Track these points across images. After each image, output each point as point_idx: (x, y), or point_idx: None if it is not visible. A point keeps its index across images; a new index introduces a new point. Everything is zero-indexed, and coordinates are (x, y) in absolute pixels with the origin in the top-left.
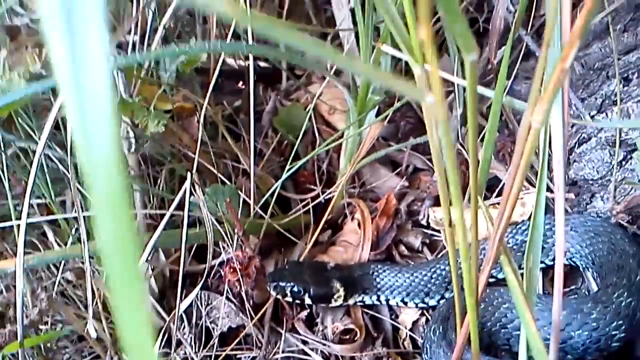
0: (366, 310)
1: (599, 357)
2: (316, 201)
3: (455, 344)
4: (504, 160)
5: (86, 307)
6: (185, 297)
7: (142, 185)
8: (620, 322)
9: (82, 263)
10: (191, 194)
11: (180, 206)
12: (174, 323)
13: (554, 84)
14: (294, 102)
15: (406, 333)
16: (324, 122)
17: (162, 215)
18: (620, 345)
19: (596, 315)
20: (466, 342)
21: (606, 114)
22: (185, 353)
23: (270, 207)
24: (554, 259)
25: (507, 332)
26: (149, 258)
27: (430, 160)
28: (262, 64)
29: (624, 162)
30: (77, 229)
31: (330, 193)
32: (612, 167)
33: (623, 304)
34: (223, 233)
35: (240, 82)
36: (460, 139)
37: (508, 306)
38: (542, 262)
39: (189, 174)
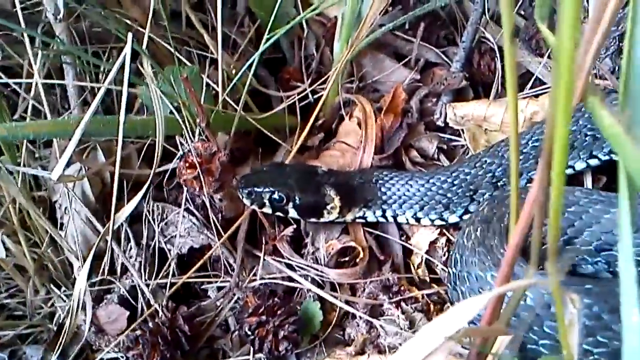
0: (369, 229)
1: None
2: (304, 100)
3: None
4: (536, 50)
5: (0, 225)
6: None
7: (75, 53)
8: None
9: None
10: (138, 70)
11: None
12: (117, 243)
13: None
14: None
15: (421, 257)
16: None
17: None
18: None
19: None
20: (519, 249)
21: None
22: (132, 281)
23: (243, 95)
24: (609, 152)
25: (574, 249)
26: (85, 156)
27: (445, 53)
28: None
29: None
30: None
31: (320, 90)
32: None
33: None
34: (182, 125)
35: None
36: (482, 24)
37: (575, 210)
38: (595, 156)
39: (129, 36)
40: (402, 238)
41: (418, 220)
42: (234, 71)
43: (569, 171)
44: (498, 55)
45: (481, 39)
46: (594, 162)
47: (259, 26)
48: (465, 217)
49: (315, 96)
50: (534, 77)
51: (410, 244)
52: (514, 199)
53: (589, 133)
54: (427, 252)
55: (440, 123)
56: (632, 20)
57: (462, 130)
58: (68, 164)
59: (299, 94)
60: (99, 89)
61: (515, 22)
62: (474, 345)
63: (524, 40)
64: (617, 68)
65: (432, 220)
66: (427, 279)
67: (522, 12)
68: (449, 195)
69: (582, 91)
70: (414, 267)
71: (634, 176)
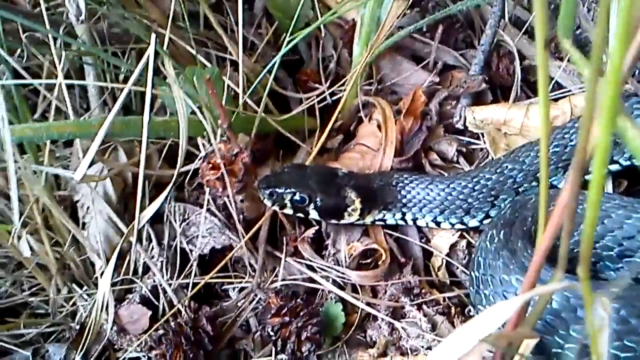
0: (389, 232)
1: None
2: (322, 102)
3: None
4: (555, 53)
5: (24, 225)
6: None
7: (97, 54)
8: None
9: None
10: (163, 75)
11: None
12: (139, 243)
13: None
14: None
15: (442, 260)
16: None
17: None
18: None
19: None
20: (547, 253)
21: None
22: (154, 281)
23: (264, 98)
24: (629, 158)
25: (595, 254)
26: (107, 156)
27: (463, 55)
28: None
29: None
30: None
31: (339, 91)
32: None
33: None
34: (204, 126)
35: None
36: (500, 27)
37: (606, 215)
38: (615, 161)
39: (153, 36)
40: (422, 240)
41: (438, 224)
42: (252, 73)
43: (588, 176)
44: (517, 58)
45: (499, 42)
46: (614, 167)
47: (277, 27)
48: (486, 221)
49: (334, 98)
50: (554, 81)
51: (431, 247)
52: (543, 204)
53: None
54: (447, 255)
55: (459, 126)
56: None
57: (482, 133)
58: (90, 164)
59: (317, 95)
60: (119, 89)
61: (532, 24)
62: (499, 348)
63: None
64: (637, 71)
65: (453, 225)
66: (448, 282)
67: None
68: (469, 200)
69: None
70: (434, 269)
71: None
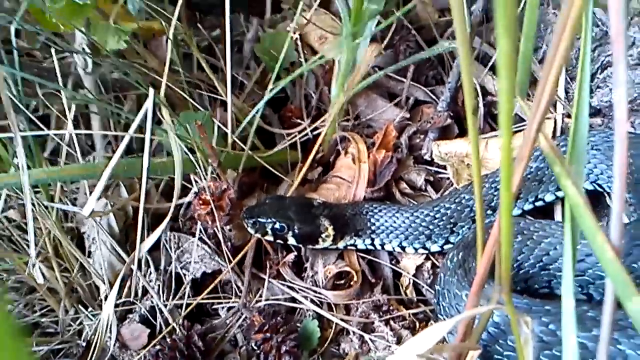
0: (363, 255)
1: None
2: (304, 137)
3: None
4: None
5: (37, 254)
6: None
7: (102, 106)
8: None
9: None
10: (157, 119)
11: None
12: (139, 268)
13: None
14: (280, 30)
15: (409, 279)
16: (313, 53)
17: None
18: None
19: None
20: (487, 272)
21: (638, 27)
22: (152, 303)
23: (251, 136)
24: (592, 182)
25: (549, 273)
26: (110, 192)
27: (433, 92)
28: None
29: None
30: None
31: (319, 126)
32: None
33: None
34: (195, 165)
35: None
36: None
37: (551, 241)
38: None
39: (151, 90)
40: (392, 262)
41: (403, 248)
42: (241, 112)
43: (540, 203)
44: (480, 94)
45: None
46: (561, 194)
47: (264, 68)
48: (447, 246)
49: (315, 132)
50: (513, 113)
51: (400, 268)
52: (480, 236)
53: None
54: (414, 275)
55: (427, 157)
56: (579, 89)
57: (447, 165)
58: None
59: (300, 131)
60: (122, 136)
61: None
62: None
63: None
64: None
65: (416, 249)
66: (415, 299)
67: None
68: (431, 227)
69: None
70: (402, 288)
71: (577, 217)
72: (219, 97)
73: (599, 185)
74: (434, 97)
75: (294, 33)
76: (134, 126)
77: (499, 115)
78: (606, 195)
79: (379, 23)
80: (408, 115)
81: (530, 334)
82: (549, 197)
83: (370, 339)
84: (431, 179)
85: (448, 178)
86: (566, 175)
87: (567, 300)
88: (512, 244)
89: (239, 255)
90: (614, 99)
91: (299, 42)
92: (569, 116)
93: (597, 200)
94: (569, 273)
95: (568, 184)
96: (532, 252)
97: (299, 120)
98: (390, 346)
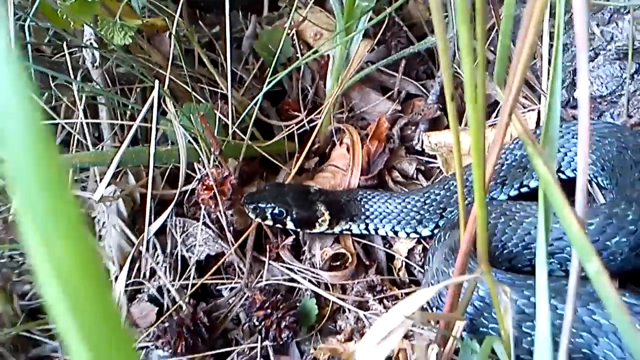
0: (358, 239)
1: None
2: (301, 128)
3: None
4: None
5: None
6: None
7: (110, 97)
8: None
9: None
10: (162, 109)
11: (150, 121)
12: (147, 251)
13: None
14: (277, 27)
15: (402, 262)
16: (309, 49)
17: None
18: None
19: (633, 216)
20: (470, 249)
21: (616, 24)
22: (160, 283)
23: (250, 127)
24: (558, 171)
25: (531, 252)
26: (119, 179)
27: (424, 85)
28: None
29: (636, 75)
30: None
31: (315, 118)
32: (624, 81)
33: None
34: (199, 153)
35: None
36: (455, 63)
37: (532, 221)
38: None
39: (156, 82)
40: (386, 246)
41: (395, 233)
42: (240, 105)
43: (525, 189)
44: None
45: (455, 73)
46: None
47: (262, 63)
48: (437, 231)
49: (312, 124)
50: (500, 105)
51: (393, 251)
52: (462, 216)
53: None
54: (406, 257)
55: (418, 148)
56: (552, 79)
57: (437, 155)
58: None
59: (297, 123)
60: (128, 125)
61: (487, 56)
62: (440, 330)
63: (492, 74)
64: (571, 99)
65: (408, 234)
66: (407, 280)
67: (492, 49)
68: (421, 212)
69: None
70: (395, 270)
71: (547, 194)
72: (219, 90)
73: None
74: (424, 90)
75: (290, 30)
76: (140, 116)
77: (465, 96)
78: (589, 184)
79: (371, 19)
80: (400, 108)
81: (509, 303)
82: (533, 184)
83: (365, 316)
84: (422, 167)
85: (438, 167)
86: (538, 154)
87: (540, 271)
88: (486, 218)
89: (241, 239)
90: (576, 91)
91: (295, 39)
92: None
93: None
94: (542, 246)
95: (539, 162)
96: (515, 232)
97: (296, 113)
98: None
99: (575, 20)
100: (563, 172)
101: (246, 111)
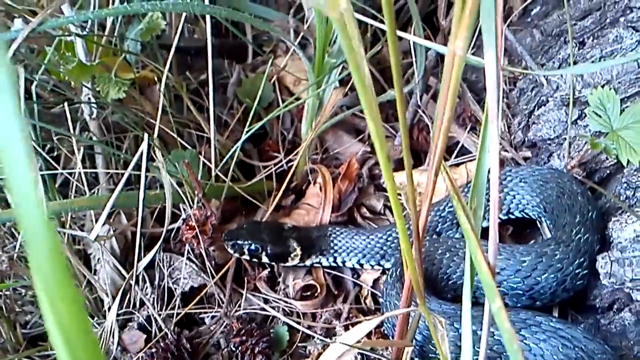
0: (329, 271)
1: (566, 299)
2: (280, 168)
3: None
4: (464, 124)
5: None
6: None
7: (105, 147)
8: (582, 259)
9: None
10: (152, 157)
11: (141, 168)
12: (137, 283)
13: (469, 10)
14: (259, 74)
15: (367, 291)
16: (289, 94)
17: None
18: (584, 284)
19: (560, 255)
20: (411, 284)
21: (561, 75)
22: (148, 312)
23: (231, 169)
24: (507, 212)
25: (475, 286)
26: (112, 219)
27: (393, 127)
28: (231, 40)
29: (578, 120)
30: None
31: (293, 159)
32: (567, 125)
33: (582, 240)
34: (183, 196)
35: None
36: (420, 104)
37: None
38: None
39: (146, 135)
40: (354, 276)
41: (361, 265)
42: (224, 148)
43: (485, 224)
44: (432, 129)
45: (420, 118)
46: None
47: (246, 107)
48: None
49: (290, 164)
50: (460, 145)
51: (360, 281)
52: (405, 255)
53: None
54: (372, 287)
55: (385, 186)
56: (482, 139)
57: (401, 193)
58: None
59: (275, 164)
60: (122, 173)
61: None
62: (392, 357)
63: (455, 117)
64: (526, 139)
65: (372, 266)
66: (372, 308)
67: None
68: (384, 248)
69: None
70: (362, 298)
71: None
72: (205, 134)
73: (526, 214)
74: (393, 132)
75: (271, 78)
76: (131, 166)
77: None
78: (537, 221)
79: (344, 68)
80: (369, 149)
81: (445, 332)
82: (485, 224)
83: (332, 342)
84: (389, 203)
85: (402, 204)
86: (461, 208)
87: (465, 302)
88: (414, 258)
89: (221, 272)
90: (530, 133)
91: (276, 84)
92: (506, 151)
93: (533, 223)
94: (468, 281)
95: (462, 215)
96: (458, 267)
97: (275, 154)
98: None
99: (488, 93)
100: (512, 213)
101: (229, 154)
